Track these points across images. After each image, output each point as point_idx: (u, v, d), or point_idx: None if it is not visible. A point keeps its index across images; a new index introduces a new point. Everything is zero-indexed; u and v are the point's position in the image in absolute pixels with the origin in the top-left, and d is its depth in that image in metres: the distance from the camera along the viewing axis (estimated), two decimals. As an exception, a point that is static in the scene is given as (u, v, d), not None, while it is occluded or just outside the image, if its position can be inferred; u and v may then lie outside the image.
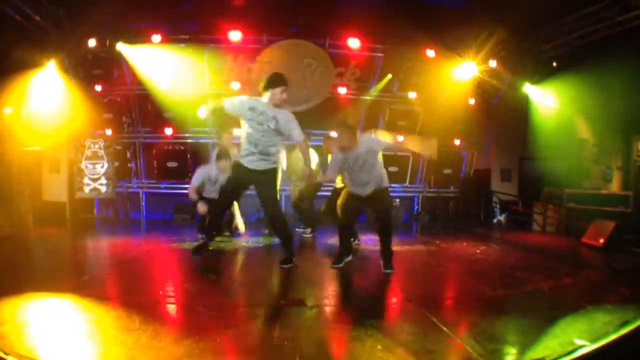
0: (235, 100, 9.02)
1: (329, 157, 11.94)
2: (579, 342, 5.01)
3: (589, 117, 16.08)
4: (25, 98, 15.94)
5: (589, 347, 4.33)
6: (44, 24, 14.16)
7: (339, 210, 9.37)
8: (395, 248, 9.64)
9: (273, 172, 9.16)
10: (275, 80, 8.80)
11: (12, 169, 15.72)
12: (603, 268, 10.63)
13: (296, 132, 8.78)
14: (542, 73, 16.67)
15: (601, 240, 12.00)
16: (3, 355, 4.41)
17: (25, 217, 15.40)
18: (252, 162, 8.91)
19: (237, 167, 9.12)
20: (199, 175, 12.04)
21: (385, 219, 9.46)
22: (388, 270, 9.04)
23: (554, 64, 16.20)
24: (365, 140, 8.89)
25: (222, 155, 11.95)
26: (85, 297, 6.72)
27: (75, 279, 8.26)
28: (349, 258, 9.66)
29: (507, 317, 6.44)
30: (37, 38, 14.44)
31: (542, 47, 15.66)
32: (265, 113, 8.69)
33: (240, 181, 9.25)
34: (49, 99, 16.02)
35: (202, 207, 11.53)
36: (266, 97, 8.79)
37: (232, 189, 9.54)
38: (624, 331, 4.41)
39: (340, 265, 9.30)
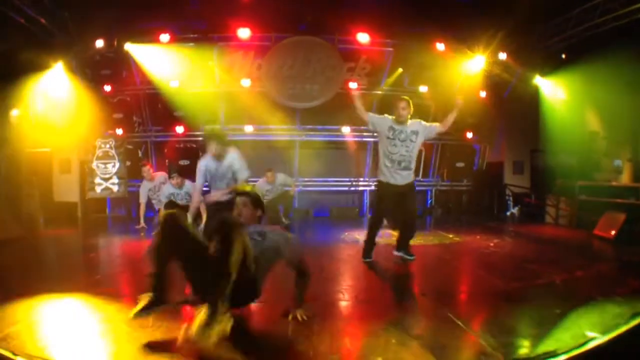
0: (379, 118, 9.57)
1: None
2: (590, 334, 5.06)
3: (599, 109, 16.06)
4: (33, 100, 16.01)
5: (600, 339, 4.39)
6: (49, 27, 14.27)
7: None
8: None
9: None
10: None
11: (21, 171, 15.81)
12: (614, 260, 10.79)
13: None
14: (552, 65, 16.68)
15: (612, 232, 12.12)
16: (11, 356, 4.48)
17: (35, 218, 15.61)
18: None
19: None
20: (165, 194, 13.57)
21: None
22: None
23: (563, 56, 16.17)
24: (417, 122, 9.34)
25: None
26: (97, 295, 6.87)
27: (87, 277, 8.56)
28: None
29: (520, 310, 6.50)
30: (43, 40, 14.51)
31: (551, 39, 15.66)
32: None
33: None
34: (57, 100, 16.14)
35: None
36: None
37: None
38: (634, 322, 4.48)
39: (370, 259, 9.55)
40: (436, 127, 9.39)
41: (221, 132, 10.08)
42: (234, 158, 9.24)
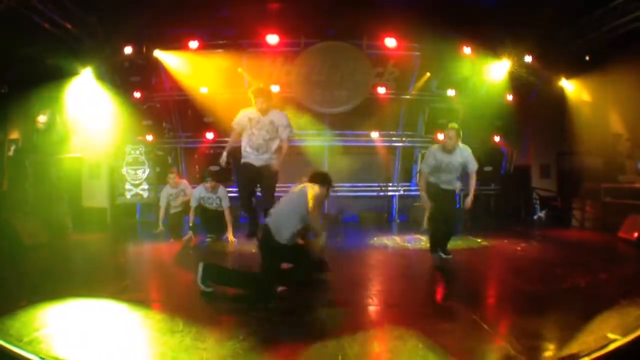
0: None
1: None
2: (611, 336, 5.17)
3: (622, 110, 16.12)
4: (62, 106, 16.21)
5: (620, 341, 4.52)
6: (76, 32, 14.53)
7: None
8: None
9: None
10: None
11: (50, 176, 16.00)
12: (635, 262, 11.14)
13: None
14: (576, 68, 16.82)
15: (635, 235, 12.45)
16: None
17: (64, 223, 15.84)
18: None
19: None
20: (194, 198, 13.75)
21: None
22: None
23: (587, 58, 16.22)
24: (461, 151, 10.29)
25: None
26: (127, 300, 7.15)
27: (116, 283, 8.73)
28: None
29: (545, 313, 6.71)
30: (70, 46, 14.71)
31: (574, 42, 15.76)
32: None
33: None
34: (87, 106, 16.42)
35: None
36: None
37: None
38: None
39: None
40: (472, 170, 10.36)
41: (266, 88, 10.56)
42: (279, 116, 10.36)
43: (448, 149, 10.03)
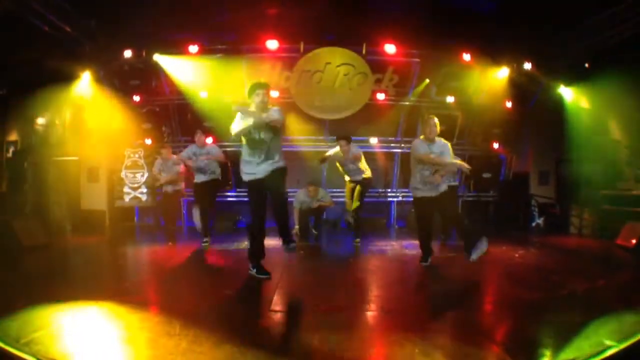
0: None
1: None
2: (608, 342, 5.15)
3: (621, 117, 16.11)
4: (61, 109, 16.20)
5: (617, 347, 4.51)
6: (76, 35, 14.57)
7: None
8: (436, 253, 9.91)
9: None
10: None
11: (48, 178, 15.98)
12: (633, 269, 11.18)
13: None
14: (575, 75, 16.84)
15: (633, 241, 12.51)
16: None
17: (62, 226, 15.85)
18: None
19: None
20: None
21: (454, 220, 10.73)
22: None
23: (586, 66, 16.23)
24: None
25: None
26: (125, 303, 7.09)
27: (114, 285, 8.82)
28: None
29: (542, 320, 6.72)
30: (69, 49, 14.71)
31: (573, 49, 15.77)
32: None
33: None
34: (86, 109, 16.36)
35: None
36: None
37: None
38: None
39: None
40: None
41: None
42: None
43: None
